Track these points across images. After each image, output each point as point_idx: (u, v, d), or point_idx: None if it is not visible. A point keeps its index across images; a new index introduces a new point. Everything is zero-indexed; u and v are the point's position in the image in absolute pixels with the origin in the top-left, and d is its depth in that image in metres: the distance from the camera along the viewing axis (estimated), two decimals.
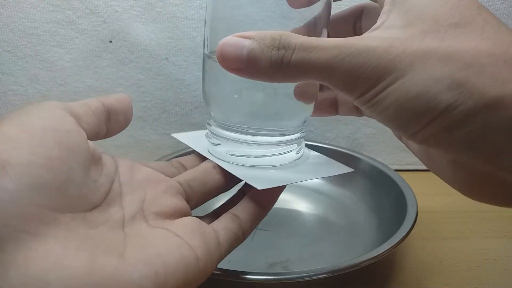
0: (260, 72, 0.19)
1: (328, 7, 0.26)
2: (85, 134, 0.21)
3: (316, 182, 0.43)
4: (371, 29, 0.20)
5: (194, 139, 0.31)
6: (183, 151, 0.43)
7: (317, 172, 0.29)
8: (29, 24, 0.45)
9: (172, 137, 0.51)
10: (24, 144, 0.17)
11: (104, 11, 0.45)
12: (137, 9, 0.45)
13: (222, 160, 0.28)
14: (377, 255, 0.28)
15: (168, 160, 0.41)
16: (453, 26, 0.18)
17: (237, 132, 0.28)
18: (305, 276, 0.26)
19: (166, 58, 0.47)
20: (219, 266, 0.26)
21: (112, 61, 0.46)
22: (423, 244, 0.36)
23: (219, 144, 0.29)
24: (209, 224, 0.23)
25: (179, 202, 0.23)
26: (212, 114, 0.29)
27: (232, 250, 0.23)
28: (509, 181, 0.19)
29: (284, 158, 0.29)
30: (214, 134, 0.29)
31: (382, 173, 0.39)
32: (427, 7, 0.19)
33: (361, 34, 0.20)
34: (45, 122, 0.19)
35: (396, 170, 0.40)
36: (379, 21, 0.20)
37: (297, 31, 0.26)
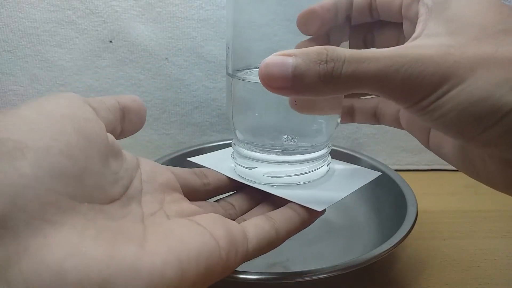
0: (308, 88, 0.19)
1: (348, 20, 0.26)
2: (103, 124, 0.20)
3: None
4: (411, 38, 0.21)
5: (216, 161, 0.31)
6: (184, 151, 0.43)
7: (354, 183, 0.30)
8: (29, 24, 0.45)
9: (172, 137, 0.51)
10: (43, 128, 0.17)
11: (104, 11, 0.45)
12: (137, 9, 0.45)
13: (259, 182, 0.28)
14: (377, 255, 0.28)
15: (168, 157, 0.42)
16: (502, 32, 0.18)
17: (276, 153, 0.28)
18: (305, 276, 0.26)
19: (166, 58, 0.47)
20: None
21: (112, 61, 0.46)
22: (423, 244, 0.36)
23: (256, 167, 0.29)
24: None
25: (200, 209, 0.23)
26: (243, 137, 0.29)
27: (264, 250, 0.22)
28: None
29: (320, 173, 0.30)
30: (247, 157, 0.29)
31: (382, 173, 0.39)
32: (470, 15, 0.19)
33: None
34: (64, 109, 0.19)
35: (396, 170, 0.40)
36: (417, 31, 0.21)
37: (306, 43, 0.26)
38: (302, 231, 0.37)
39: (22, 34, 0.45)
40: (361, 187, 0.38)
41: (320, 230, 0.37)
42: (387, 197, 0.37)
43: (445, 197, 0.43)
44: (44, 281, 0.15)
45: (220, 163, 0.31)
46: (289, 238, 0.35)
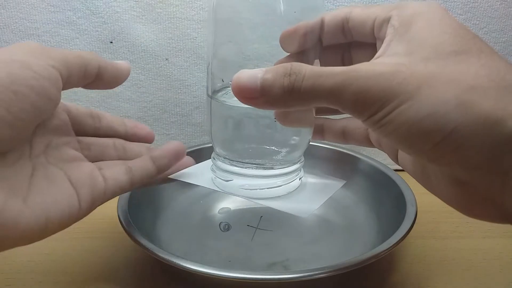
0: (274, 99, 0.21)
1: (319, 40, 0.28)
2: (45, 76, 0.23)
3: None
4: (374, 57, 0.22)
5: (196, 175, 0.33)
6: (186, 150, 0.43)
7: (324, 192, 0.33)
8: (30, 24, 0.45)
9: (173, 137, 0.51)
10: None
11: (104, 12, 0.45)
12: (137, 10, 0.45)
13: (236, 194, 0.31)
14: (376, 255, 0.28)
15: None
16: (453, 53, 0.19)
17: (251, 168, 0.30)
18: (305, 276, 0.26)
19: (167, 59, 0.47)
20: (219, 267, 0.27)
21: None
22: (422, 244, 0.36)
23: (231, 180, 0.31)
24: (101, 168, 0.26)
25: (79, 155, 0.27)
26: (223, 152, 0.32)
27: (116, 195, 0.26)
28: (506, 205, 0.20)
29: (292, 186, 0.31)
30: (225, 170, 0.31)
31: (382, 173, 0.39)
32: (427, 37, 0.20)
33: (351, 64, 0.21)
34: (9, 55, 0.22)
35: (396, 170, 0.40)
36: (381, 50, 0.22)
37: (286, 59, 0.28)
38: (302, 231, 0.37)
39: (23, 34, 0.45)
40: (359, 188, 0.39)
41: (320, 230, 0.38)
42: (387, 197, 0.37)
43: None
44: None
45: (199, 176, 0.33)
46: (289, 238, 0.36)
